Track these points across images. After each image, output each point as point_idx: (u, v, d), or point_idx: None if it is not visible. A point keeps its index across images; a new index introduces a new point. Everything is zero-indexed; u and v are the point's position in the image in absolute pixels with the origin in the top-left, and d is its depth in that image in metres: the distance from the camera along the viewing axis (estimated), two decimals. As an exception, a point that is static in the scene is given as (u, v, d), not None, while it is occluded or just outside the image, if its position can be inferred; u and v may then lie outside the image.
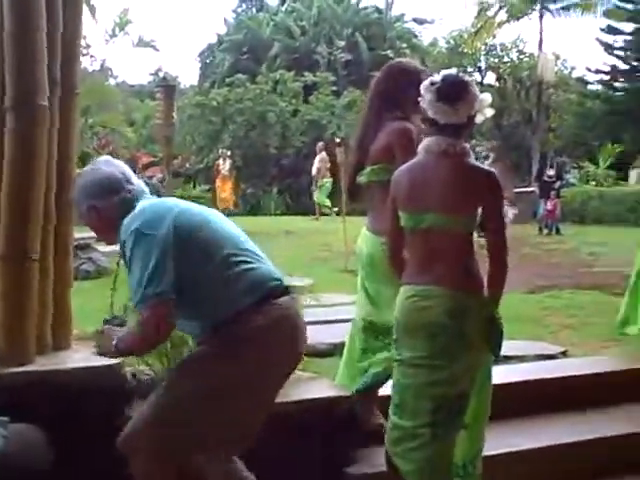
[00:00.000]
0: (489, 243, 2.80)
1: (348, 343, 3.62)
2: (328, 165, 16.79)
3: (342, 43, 29.35)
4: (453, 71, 2.86)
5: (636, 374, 4.43)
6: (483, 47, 31.13)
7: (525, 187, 19.22)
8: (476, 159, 2.89)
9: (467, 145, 2.80)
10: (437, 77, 2.79)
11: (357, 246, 3.59)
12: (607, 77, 26.95)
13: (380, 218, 3.18)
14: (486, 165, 13.62)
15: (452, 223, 2.74)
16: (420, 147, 2.85)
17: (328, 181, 16.83)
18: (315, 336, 4.46)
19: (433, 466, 2.76)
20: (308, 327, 4.68)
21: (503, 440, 3.55)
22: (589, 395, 4.14)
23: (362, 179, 3.48)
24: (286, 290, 2.56)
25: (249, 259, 2.52)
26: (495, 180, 2.80)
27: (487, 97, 2.86)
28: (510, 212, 13.56)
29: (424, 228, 2.77)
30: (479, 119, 2.85)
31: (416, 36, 33.18)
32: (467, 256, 2.79)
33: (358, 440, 3.37)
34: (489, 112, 2.86)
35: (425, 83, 2.80)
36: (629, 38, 26.00)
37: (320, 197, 17.14)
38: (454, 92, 2.74)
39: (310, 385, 3.41)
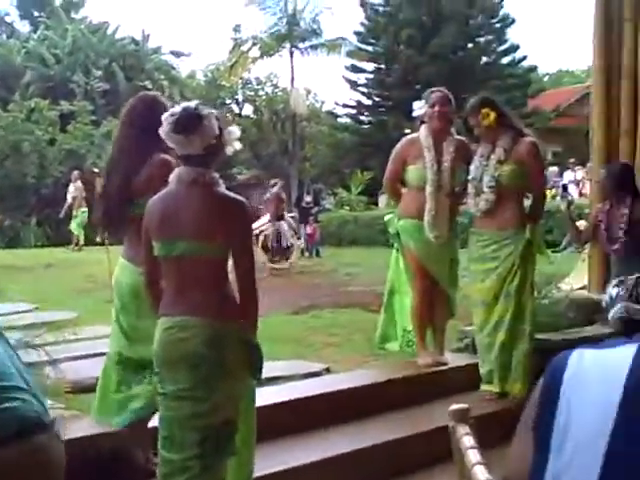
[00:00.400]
0: (238, 270, 2.80)
1: (102, 376, 3.45)
2: (84, 194, 16.27)
3: (99, 73, 28.49)
4: (192, 104, 2.86)
5: (395, 384, 4.63)
6: (240, 80, 31.86)
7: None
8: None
9: (216, 175, 2.83)
10: (177, 109, 2.80)
11: (114, 276, 3.44)
12: (354, 111, 28.72)
13: (137, 247, 3.07)
14: (275, 190, 13.81)
15: (204, 250, 2.73)
16: (171, 177, 2.83)
17: (84, 211, 16.23)
18: (79, 371, 4.21)
19: None
20: (72, 363, 4.40)
21: (275, 459, 3.56)
22: (353, 407, 4.26)
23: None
24: (45, 426, 2.30)
25: (6, 394, 2.22)
26: (244, 208, 2.83)
27: (235, 130, 2.92)
28: (297, 244, 13.93)
29: (176, 256, 2.75)
30: (229, 151, 2.91)
31: (174, 68, 33.14)
32: (222, 283, 2.79)
33: (127, 477, 3.20)
34: (237, 145, 2.93)
35: (165, 115, 2.80)
36: (371, 76, 27.99)
37: (76, 227, 16.43)
38: (189, 124, 2.75)
39: (72, 423, 3.20)
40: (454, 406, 1.45)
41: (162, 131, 2.78)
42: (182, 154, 2.79)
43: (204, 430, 2.68)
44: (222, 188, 2.83)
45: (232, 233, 2.75)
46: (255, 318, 2.84)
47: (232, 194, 2.85)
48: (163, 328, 2.76)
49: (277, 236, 13.41)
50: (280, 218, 13.73)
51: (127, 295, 3.31)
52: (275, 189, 14.39)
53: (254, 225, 14.35)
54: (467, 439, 1.37)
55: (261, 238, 13.42)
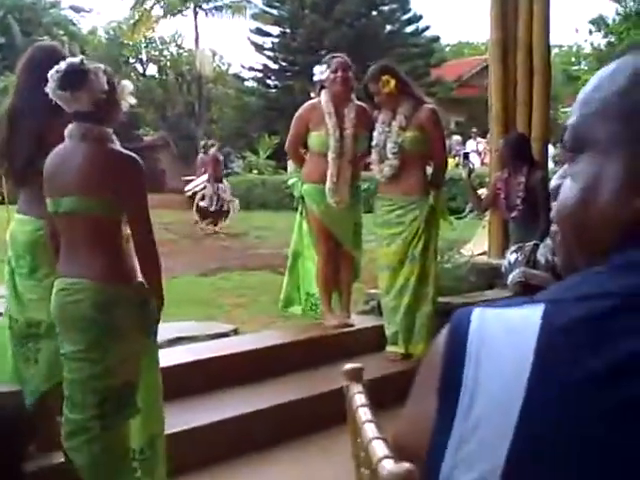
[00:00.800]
0: (133, 232, 2.75)
1: None
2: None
3: (-6, 25, 27.10)
4: (76, 59, 2.77)
5: (301, 345, 4.68)
6: (143, 39, 30.89)
7: (195, 177, 19.44)
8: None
9: (109, 130, 2.77)
10: (61, 65, 2.72)
11: (10, 231, 3.26)
12: (260, 75, 28.34)
13: (38, 200, 2.95)
14: (212, 151, 13.31)
15: (92, 207, 2.68)
16: (65, 133, 2.77)
17: None
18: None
19: (107, 457, 2.72)
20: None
21: (181, 418, 3.55)
22: (260, 368, 4.28)
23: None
24: None
25: None
26: (136, 165, 2.75)
27: (127, 84, 2.88)
28: (234, 207, 13.66)
29: (64, 212, 2.71)
30: (124, 106, 2.86)
31: (74, 24, 31.82)
32: (115, 244, 2.74)
33: (31, 435, 3.14)
34: (131, 100, 2.89)
35: (51, 72, 2.72)
36: (276, 40, 27.61)
37: None
38: (74, 80, 2.68)
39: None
40: (348, 365, 1.46)
41: (48, 89, 2.70)
42: (71, 111, 2.72)
43: (103, 391, 2.68)
44: (114, 144, 2.77)
45: (123, 190, 2.68)
46: (156, 279, 2.80)
47: (124, 150, 2.77)
48: (57, 289, 2.74)
49: (214, 198, 13.12)
50: (218, 180, 13.43)
51: (22, 248, 3.16)
52: (212, 150, 14.08)
53: (189, 186, 14.02)
54: (359, 397, 1.37)
55: (197, 199, 13.12)
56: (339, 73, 4.84)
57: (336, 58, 4.95)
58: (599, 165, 0.79)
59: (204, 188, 13.33)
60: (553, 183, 0.87)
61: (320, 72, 4.93)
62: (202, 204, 13.04)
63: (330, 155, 4.82)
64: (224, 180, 13.79)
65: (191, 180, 15.89)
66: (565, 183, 0.83)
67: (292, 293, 5.21)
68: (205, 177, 13.56)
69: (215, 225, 13.00)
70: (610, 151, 0.78)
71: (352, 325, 5.01)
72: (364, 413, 1.30)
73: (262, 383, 4.22)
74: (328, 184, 4.82)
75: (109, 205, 2.69)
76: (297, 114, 5.03)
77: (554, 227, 0.86)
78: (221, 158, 14.39)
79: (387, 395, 3.05)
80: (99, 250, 2.70)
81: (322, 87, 4.94)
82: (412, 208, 4.74)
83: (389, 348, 4.80)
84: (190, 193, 13.62)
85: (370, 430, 1.22)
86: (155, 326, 2.85)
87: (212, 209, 13.04)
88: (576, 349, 0.69)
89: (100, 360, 2.67)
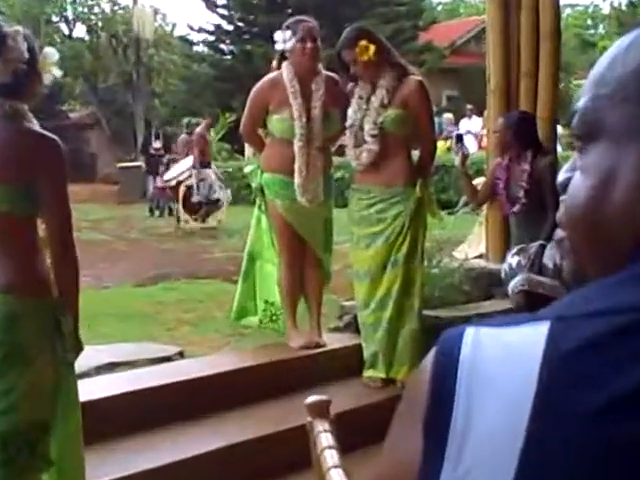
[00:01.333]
0: (48, 232, 2.73)
1: None
2: None
3: None
4: None
5: (261, 371, 4.66)
6: (70, -6, 30.74)
7: (131, 161, 19.35)
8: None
9: (24, 106, 2.74)
10: None
11: None
12: (212, 38, 28.17)
13: None
14: (199, 130, 12.79)
15: None
16: None
17: None
18: None
19: None
20: None
21: (111, 465, 3.52)
22: (211, 399, 4.26)
23: None
24: None
25: None
26: (55, 147, 2.72)
27: (51, 52, 2.87)
28: (227, 197, 13.45)
29: None
30: (47, 79, 2.84)
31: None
32: (26, 246, 2.71)
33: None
34: (56, 71, 2.88)
35: None
36: (232, -4, 27.47)
37: None
38: None
39: None
40: (311, 398, 1.45)
41: None
42: None
43: (5, 434, 2.63)
44: (30, 123, 2.73)
45: (38, 179, 2.65)
46: (73, 289, 2.79)
47: (41, 130, 2.74)
48: None
49: (203, 187, 12.89)
50: (206, 165, 13.25)
51: None
52: (199, 129, 13.84)
53: (170, 173, 13.75)
54: (324, 437, 1.37)
55: (182, 190, 12.87)
56: (308, 43, 4.77)
57: (303, 23, 4.86)
58: (614, 156, 0.78)
59: (190, 176, 13.08)
60: (561, 178, 0.87)
61: (283, 40, 4.84)
62: (185, 195, 12.74)
63: (296, 143, 4.77)
64: (213, 166, 13.56)
65: (126, 167, 15.63)
66: (574, 178, 0.83)
67: (247, 301, 5.19)
68: (189, 161, 13.29)
69: (203, 221, 12.79)
70: (627, 139, 0.78)
71: (323, 345, 4.99)
72: (330, 456, 1.30)
73: (214, 417, 4.20)
74: (297, 179, 4.78)
75: (21, 199, 2.65)
76: (254, 91, 4.97)
77: (561, 232, 0.86)
78: (209, 138, 14.16)
79: (365, 429, 3.05)
80: (7, 254, 2.67)
81: (283, 57, 4.89)
82: (395, 202, 4.75)
83: (367, 373, 4.80)
84: (174, 183, 13.30)
85: (337, 477, 1.22)
86: (73, 353, 2.81)
87: (197, 202, 12.78)
88: (586, 377, 0.68)
89: (4, 393, 2.62)
